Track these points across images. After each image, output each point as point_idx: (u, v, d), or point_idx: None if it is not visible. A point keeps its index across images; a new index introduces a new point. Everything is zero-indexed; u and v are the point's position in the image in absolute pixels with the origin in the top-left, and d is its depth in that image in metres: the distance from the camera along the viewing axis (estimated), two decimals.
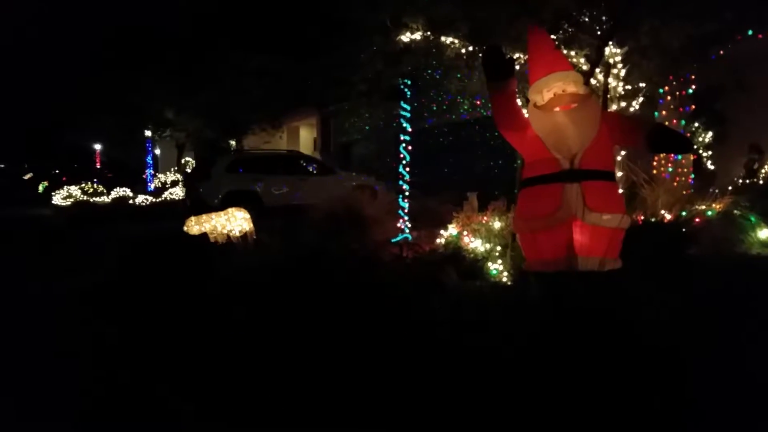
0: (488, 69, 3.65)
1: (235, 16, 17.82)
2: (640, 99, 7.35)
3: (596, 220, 3.39)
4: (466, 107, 15.64)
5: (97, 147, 30.30)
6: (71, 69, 20.93)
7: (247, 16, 17.90)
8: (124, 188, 17.51)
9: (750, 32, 8.01)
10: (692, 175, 9.56)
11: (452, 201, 8.44)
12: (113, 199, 16.68)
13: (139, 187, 19.47)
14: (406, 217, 7.91)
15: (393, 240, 7.45)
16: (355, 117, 20.89)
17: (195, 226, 7.30)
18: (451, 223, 6.31)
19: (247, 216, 7.61)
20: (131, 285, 5.47)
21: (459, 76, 9.64)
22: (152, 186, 20.56)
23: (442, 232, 6.35)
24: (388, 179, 13.29)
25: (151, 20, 18.40)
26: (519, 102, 4.83)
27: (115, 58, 18.31)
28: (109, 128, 22.99)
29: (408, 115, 7.96)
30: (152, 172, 21.21)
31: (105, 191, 18.09)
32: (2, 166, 36.04)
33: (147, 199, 16.61)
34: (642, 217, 5.75)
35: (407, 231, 7.84)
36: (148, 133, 20.48)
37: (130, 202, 16.40)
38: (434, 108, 16.75)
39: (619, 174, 6.89)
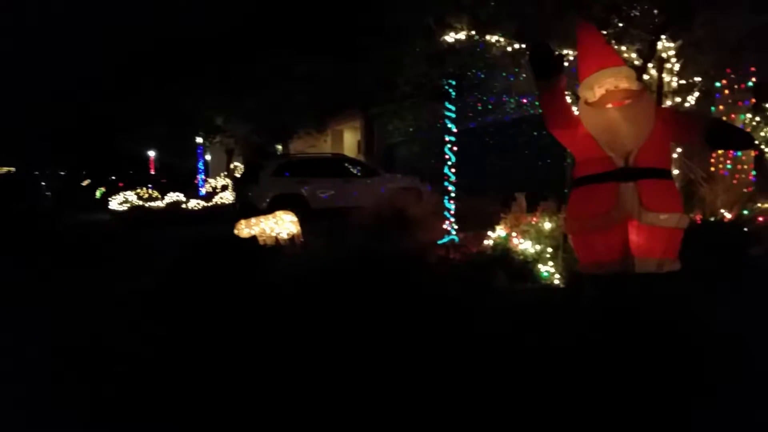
0: (536, 66, 3.58)
1: (280, 21, 18.10)
2: (696, 93, 7.07)
3: (653, 219, 3.27)
4: (512, 106, 15.42)
5: (152, 154, 31.39)
6: (126, 78, 21.65)
7: (292, 20, 18.14)
8: (177, 193, 18.02)
9: None
10: (753, 172, 9.13)
11: (499, 202, 8.33)
12: (167, 204, 17.18)
13: (192, 191, 20.01)
14: (452, 219, 7.85)
15: (439, 242, 7.40)
16: (399, 119, 20.90)
17: (245, 229, 7.49)
18: (498, 224, 6.23)
19: (295, 219, 7.73)
20: (187, 286, 5.61)
21: (504, 74, 9.51)
22: (203, 191, 21.11)
23: (489, 233, 6.27)
24: (433, 181, 13.24)
25: (200, 27, 18.88)
26: (569, 99, 4.72)
27: (168, 66, 18.92)
28: (162, 135, 23.81)
29: (453, 115, 7.91)
30: (203, 177, 21.77)
31: (159, 196, 18.64)
32: (62, 173, 37.81)
33: (199, 204, 17.06)
34: (701, 217, 5.52)
35: (454, 233, 7.78)
36: (199, 139, 21.06)
37: (183, 206, 16.88)
38: (479, 108, 16.58)
39: (675, 172, 6.65)
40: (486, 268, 5.18)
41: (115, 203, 17.88)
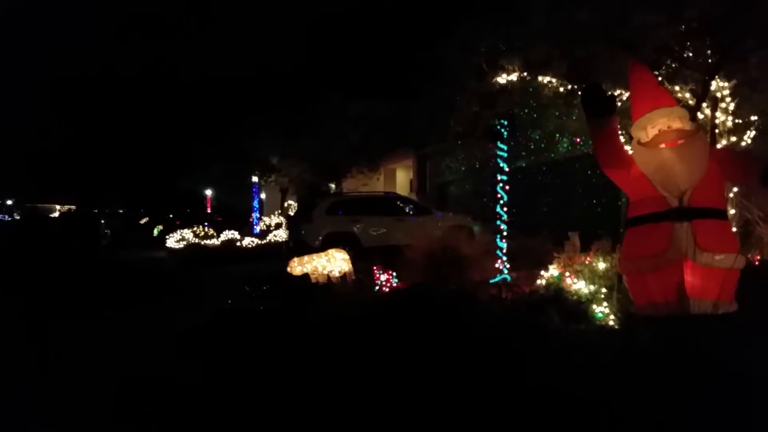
0: (588, 107, 3.65)
1: (334, 61, 18.74)
2: (752, 133, 6.92)
3: (708, 260, 3.24)
4: (565, 145, 15.33)
5: (208, 192, 32.59)
6: (186, 119, 22.76)
7: (346, 60, 18.75)
8: (232, 231, 18.54)
9: None
10: None
11: (552, 241, 8.25)
12: (222, 242, 17.67)
13: (246, 229, 20.54)
14: (504, 258, 7.83)
15: (492, 281, 7.38)
16: (451, 158, 21.07)
17: (297, 267, 7.67)
18: (551, 263, 6.19)
19: (347, 257, 7.89)
20: (240, 324, 5.82)
21: (557, 114, 9.54)
22: (258, 229, 21.66)
23: (542, 272, 6.23)
24: (485, 219, 13.21)
25: (254, 69, 19.74)
26: (622, 139, 4.74)
27: (227, 108, 19.84)
28: (219, 175, 24.77)
29: (505, 154, 7.98)
30: (258, 215, 22.39)
31: (215, 234, 19.19)
32: (121, 211, 39.61)
33: (253, 241, 17.49)
34: (758, 257, 5.35)
35: (506, 272, 7.75)
36: (254, 178, 21.78)
37: (238, 244, 17.33)
38: (532, 146, 16.55)
39: (732, 211, 6.47)
40: (539, 307, 5.13)
41: (172, 241, 18.48)
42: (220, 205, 34.04)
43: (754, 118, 6.89)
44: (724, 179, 3.75)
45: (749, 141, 6.97)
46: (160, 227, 27.24)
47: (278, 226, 21.70)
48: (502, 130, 8.02)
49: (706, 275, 3.24)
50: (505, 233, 7.91)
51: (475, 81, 7.72)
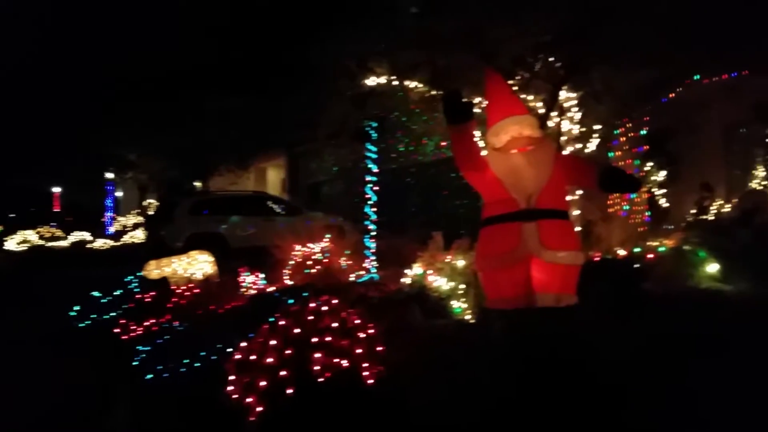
0: (448, 112, 3.78)
1: (202, 58, 17.90)
2: (595, 140, 7.66)
3: (552, 257, 3.50)
4: (431, 148, 15.96)
5: (56, 190, 29.65)
6: (28, 109, 20.39)
7: (214, 57, 17.98)
8: (83, 232, 17.14)
9: (696, 77, 8.50)
10: (648, 213, 9.91)
11: (418, 240, 8.52)
12: (72, 244, 16.32)
13: (100, 230, 19.08)
14: (372, 257, 7.94)
15: (359, 280, 7.46)
16: (322, 158, 21.05)
17: (154, 270, 7.19)
18: (416, 262, 6.38)
19: (211, 259, 7.56)
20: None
21: (425, 118, 9.89)
22: (112, 229, 20.17)
23: (407, 271, 6.41)
24: (356, 219, 13.37)
25: (114, 61, 18.31)
26: (481, 144, 5.01)
27: (77, 100, 18.16)
28: (68, 171, 22.61)
29: (374, 156, 8.09)
30: (112, 215, 20.83)
31: (63, 235, 17.64)
32: None
33: (106, 243, 16.31)
34: (598, 254, 5.92)
35: (374, 271, 7.87)
36: (109, 175, 20.22)
37: (89, 246, 16.07)
38: (401, 148, 17.04)
39: (575, 212, 7.12)
40: (402, 304, 5.28)
41: (13, 243, 16.70)
42: (70, 204, 31.21)
43: (597, 127, 7.66)
44: (568, 183, 4.07)
45: (592, 148, 7.72)
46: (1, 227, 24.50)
47: (136, 226, 20.34)
48: (371, 132, 8.12)
49: (550, 271, 3.50)
50: (373, 233, 8.03)
51: (345, 82, 7.78)
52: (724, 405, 3.19)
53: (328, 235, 7.92)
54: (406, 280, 6.22)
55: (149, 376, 4.13)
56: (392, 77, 7.62)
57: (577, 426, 2.87)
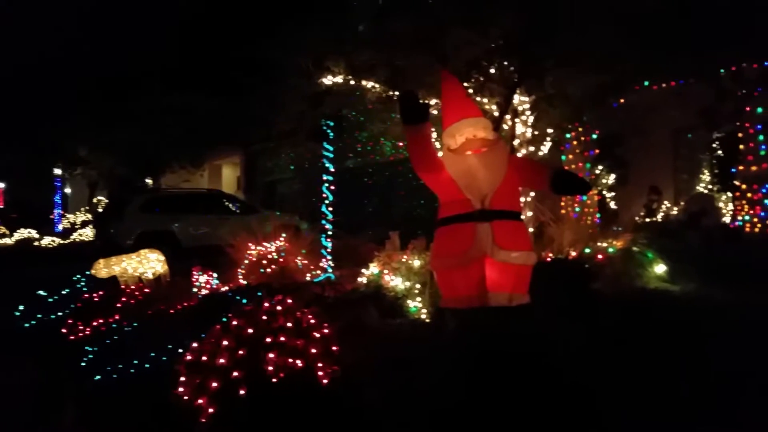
0: (404, 113, 3.79)
1: (155, 53, 17.51)
2: (548, 144, 7.84)
3: (505, 257, 3.57)
4: (388, 148, 16.03)
5: (0, 185, 28.43)
6: None
7: (168, 53, 17.62)
8: (29, 229, 16.48)
9: (646, 83, 8.80)
10: (598, 215, 10.23)
11: (375, 240, 8.55)
12: (17, 242, 15.66)
13: (47, 228, 18.37)
14: (329, 257, 7.92)
15: (316, 280, 7.42)
16: (279, 156, 20.84)
17: (103, 269, 6.98)
18: (372, 261, 6.40)
19: (162, 258, 7.38)
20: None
21: (382, 118, 9.92)
22: (60, 227, 19.46)
23: (363, 270, 6.42)
24: (313, 218, 13.29)
25: (65, 53, 17.72)
26: (437, 145, 5.06)
27: (24, 91, 17.47)
28: (13, 165, 21.70)
29: (331, 155, 8.07)
30: (60, 212, 20.10)
31: (8, 233, 16.92)
32: None
33: (54, 241, 15.72)
34: (549, 254, 6.07)
35: (330, 270, 7.85)
36: (57, 170, 19.49)
37: (36, 244, 15.46)
38: (359, 148, 17.04)
39: (529, 213, 7.28)
40: (358, 304, 5.29)
41: None
42: (15, 200, 29.95)
43: (550, 130, 7.84)
44: (521, 184, 4.15)
45: (545, 151, 7.90)
46: None
47: (85, 224, 19.67)
48: (328, 131, 8.10)
49: (502, 271, 3.57)
50: (330, 232, 8.01)
51: (301, 81, 7.72)
52: (670, 395, 3.32)
53: (284, 235, 7.82)
54: (363, 280, 6.24)
55: (97, 378, 4.02)
56: (349, 77, 7.61)
57: (529, 422, 2.94)
